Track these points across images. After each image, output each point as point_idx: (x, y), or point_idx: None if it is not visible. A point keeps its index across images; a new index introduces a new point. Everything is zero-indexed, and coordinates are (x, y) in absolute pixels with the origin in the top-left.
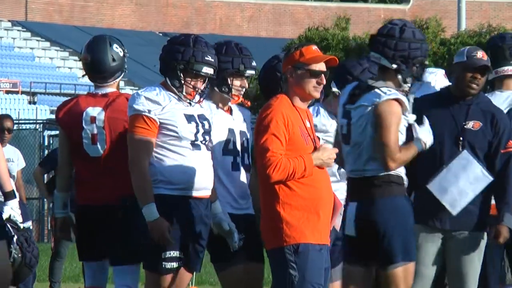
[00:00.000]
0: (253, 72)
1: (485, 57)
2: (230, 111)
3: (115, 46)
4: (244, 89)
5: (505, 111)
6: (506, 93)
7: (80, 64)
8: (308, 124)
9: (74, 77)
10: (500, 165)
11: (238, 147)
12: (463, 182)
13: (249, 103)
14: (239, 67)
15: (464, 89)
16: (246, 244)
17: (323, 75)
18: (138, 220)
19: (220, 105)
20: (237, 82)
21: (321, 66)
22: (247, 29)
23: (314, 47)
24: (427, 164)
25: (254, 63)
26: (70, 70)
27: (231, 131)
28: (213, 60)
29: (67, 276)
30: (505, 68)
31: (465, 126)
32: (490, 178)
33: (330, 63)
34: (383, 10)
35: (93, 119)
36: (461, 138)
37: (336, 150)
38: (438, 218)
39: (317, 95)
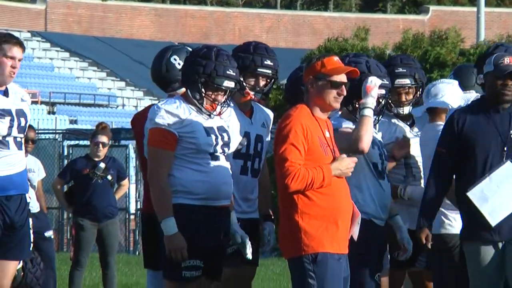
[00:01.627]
0: (269, 71)
1: None
2: (251, 112)
3: (174, 57)
4: (256, 87)
5: None
6: None
7: (99, 74)
8: (327, 134)
9: (93, 87)
10: None
11: (251, 151)
12: (505, 193)
13: (262, 101)
14: (250, 64)
15: (498, 97)
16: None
17: (343, 86)
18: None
19: (241, 106)
20: (251, 81)
21: (342, 78)
22: (266, 39)
23: (336, 58)
24: (471, 176)
25: (268, 61)
26: (89, 80)
27: (246, 135)
28: (234, 74)
29: (86, 285)
30: None
31: (510, 135)
32: None
33: (351, 75)
34: (402, 21)
35: None
36: (505, 148)
37: (356, 160)
38: (495, 230)
39: (337, 106)
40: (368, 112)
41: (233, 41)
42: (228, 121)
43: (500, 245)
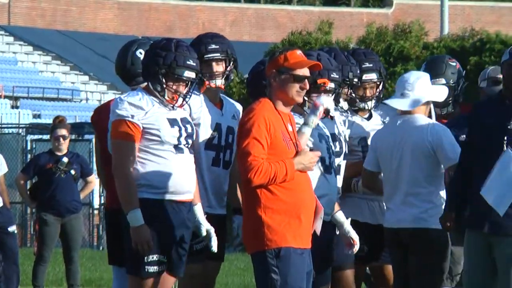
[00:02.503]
0: (215, 54)
1: None
2: (220, 105)
3: (139, 51)
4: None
5: None
6: None
7: (62, 68)
8: (290, 128)
9: (57, 81)
10: None
11: (222, 142)
12: (507, 181)
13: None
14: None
15: (509, 87)
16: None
17: (306, 80)
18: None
19: (211, 98)
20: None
21: (305, 71)
22: (230, 33)
23: (299, 52)
24: (478, 170)
25: (213, 46)
26: (53, 74)
27: (217, 126)
28: (195, 64)
29: (50, 280)
30: None
31: (508, 127)
32: None
33: (314, 68)
34: (365, 14)
35: None
36: (505, 138)
37: (319, 154)
38: (480, 221)
39: (300, 99)
40: (306, 130)
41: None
42: (199, 112)
43: (494, 238)
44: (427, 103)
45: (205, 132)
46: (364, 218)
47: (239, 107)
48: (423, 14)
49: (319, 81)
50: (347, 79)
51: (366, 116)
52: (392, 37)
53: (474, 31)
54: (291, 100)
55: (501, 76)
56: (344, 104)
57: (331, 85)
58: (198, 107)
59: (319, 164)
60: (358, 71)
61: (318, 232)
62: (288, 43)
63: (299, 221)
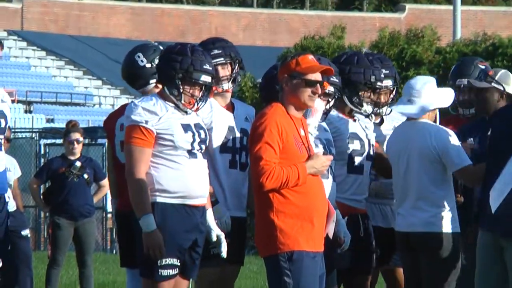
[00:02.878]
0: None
1: None
2: (232, 108)
3: (138, 54)
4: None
5: None
6: None
7: (75, 73)
8: (302, 133)
9: (70, 86)
10: None
11: (237, 144)
12: (505, 180)
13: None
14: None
15: None
16: (229, 247)
17: (318, 84)
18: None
19: (221, 102)
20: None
21: (317, 76)
22: (243, 38)
23: (311, 57)
24: (492, 173)
25: (215, 51)
26: (66, 79)
27: (230, 129)
28: (211, 68)
29: (63, 284)
30: None
31: None
32: None
33: (326, 73)
34: (378, 19)
35: (121, 127)
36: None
37: (331, 158)
38: (496, 221)
39: (312, 104)
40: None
41: None
42: (209, 117)
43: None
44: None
45: (218, 136)
46: (376, 222)
47: (251, 109)
48: (436, 19)
49: None
50: (369, 83)
51: (378, 121)
52: (404, 41)
53: (487, 36)
54: (303, 105)
55: None
56: (367, 108)
57: (330, 88)
58: (207, 112)
59: None
60: (382, 75)
61: (330, 235)
62: (300, 47)
63: (311, 225)
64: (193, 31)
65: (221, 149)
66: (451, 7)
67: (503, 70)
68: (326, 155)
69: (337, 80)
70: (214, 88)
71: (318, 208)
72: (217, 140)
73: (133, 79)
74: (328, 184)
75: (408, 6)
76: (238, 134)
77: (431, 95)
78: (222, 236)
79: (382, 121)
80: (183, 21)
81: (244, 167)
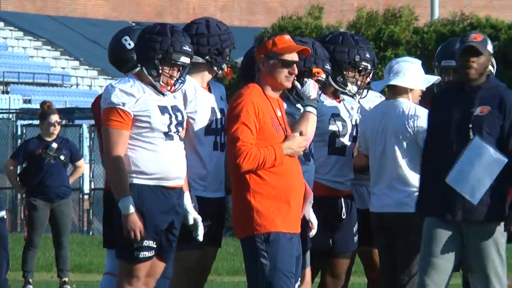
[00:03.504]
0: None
1: (478, 38)
2: (209, 89)
3: (125, 38)
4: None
5: None
6: None
7: (53, 53)
8: (279, 113)
9: (47, 67)
10: None
11: (219, 125)
12: (479, 169)
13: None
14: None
15: (463, 74)
16: (209, 229)
17: (295, 65)
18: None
19: (202, 83)
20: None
21: (293, 56)
22: (221, 18)
23: (287, 37)
24: (438, 156)
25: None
26: (43, 59)
27: (212, 110)
28: (190, 49)
29: (40, 265)
30: None
31: (473, 113)
32: (504, 160)
33: (302, 53)
34: None
35: None
36: (470, 125)
37: (307, 138)
38: (450, 209)
39: (288, 85)
40: (313, 110)
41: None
42: (195, 99)
43: (461, 226)
44: (409, 89)
45: (203, 118)
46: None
47: (222, 87)
48: None
49: (314, 70)
50: (354, 62)
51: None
52: (382, 21)
53: (464, 16)
54: (280, 85)
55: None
56: (352, 88)
57: (323, 76)
58: (193, 94)
59: None
60: (367, 55)
61: (308, 216)
62: (278, 28)
63: (288, 206)
64: (171, 11)
65: (206, 131)
66: None
67: None
68: (303, 136)
69: (329, 68)
70: (227, 70)
71: (295, 189)
72: (203, 122)
73: (121, 62)
74: (309, 168)
75: None
76: (219, 115)
77: (407, 76)
78: (199, 219)
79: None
80: (161, 2)
81: (224, 148)
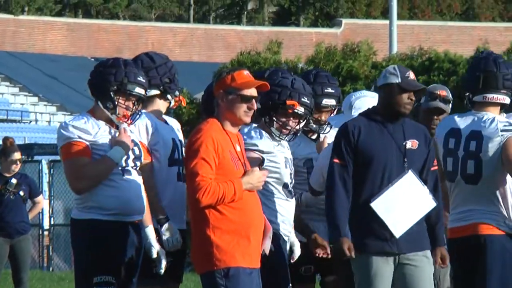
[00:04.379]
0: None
1: (444, 95)
2: (164, 121)
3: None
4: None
5: None
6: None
7: (11, 89)
8: (238, 148)
9: (6, 103)
10: (432, 183)
11: (180, 157)
12: (408, 204)
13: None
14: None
15: (400, 110)
16: (171, 264)
17: (254, 100)
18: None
19: (158, 116)
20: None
21: (252, 92)
22: (179, 53)
23: (246, 72)
24: (371, 187)
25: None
26: (2, 95)
27: (174, 141)
28: (144, 80)
29: None
30: (495, 96)
31: (406, 146)
32: (434, 203)
33: (261, 89)
34: (315, 34)
35: None
36: (405, 159)
37: (267, 173)
38: (392, 241)
39: (247, 120)
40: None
41: None
42: (155, 131)
43: (395, 258)
44: None
45: (165, 149)
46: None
47: (175, 120)
48: (372, 33)
49: (288, 102)
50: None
51: (314, 137)
52: (341, 56)
53: (423, 50)
54: (239, 121)
55: (439, 92)
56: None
57: (300, 109)
58: (153, 126)
59: (282, 188)
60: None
61: (267, 251)
62: (237, 63)
63: (248, 241)
64: (130, 47)
65: (170, 162)
66: (387, 22)
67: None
68: (262, 171)
69: (308, 102)
70: (180, 98)
71: (255, 224)
72: (165, 153)
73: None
74: (291, 205)
75: (344, 21)
76: (179, 146)
77: (363, 109)
78: (163, 253)
79: (318, 138)
80: (119, 37)
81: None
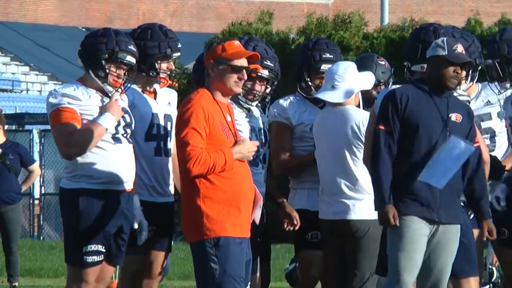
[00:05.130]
0: (179, 53)
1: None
2: (154, 94)
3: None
4: (170, 72)
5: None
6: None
7: (2, 59)
8: (229, 118)
9: None
10: (474, 159)
11: (161, 131)
12: (447, 159)
13: (176, 84)
14: (166, 50)
15: (446, 83)
16: (155, 234)
17: (244, 70)
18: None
19: (144, 89)
20: (164, 65)
21: (243, 62)
22: (170, 24)
23: (237, 42)
24: (416, 156)
25: (179, 45)
26: None
27: (155, 116)
28: (135, 49)
29: None
30: None
31: (450, 119)
32: (472, 148)
33: (252, 59)
34: (306, 5)
35: None
36: (448, 130)
37: (257, 143)
38: (433, 209)
39: (238, 90)
40: None
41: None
42: (132, 105)
43: (432, 225)
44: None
45: (142, 124)
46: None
47: (174, 92)
48: (364, 4)
49: (251, 66)
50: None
51: (321, 104)
52: (332, 27)
53: (414, 22)
54: (230, 91)
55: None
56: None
57: (264, 71)
58: (130, 100)
59: None
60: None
61: (257, 221)
62: (228, 33)
63: (238, 211)
64: (121, 17)
65: (146, 137)
66: None
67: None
68: (253, 141)
69: (272, 65)
70: (166, 82)
71: (245, 193)
72: (141, 128)
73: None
74: (258, 171)
75: None
76: (162, 121)
77: (353, 78)
78: (145, 224)
79: (324, 105)
80: (110, 7)
81: (169, 153)
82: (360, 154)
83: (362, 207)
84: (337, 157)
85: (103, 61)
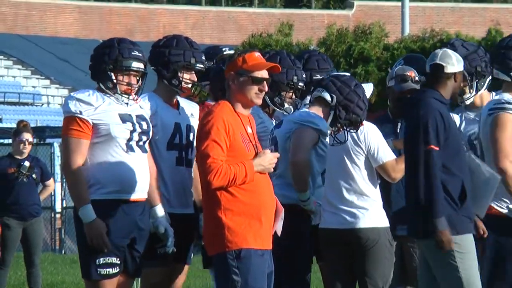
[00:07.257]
0: (202, 66)
1: None
2: (177, 105)
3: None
4: (192, 83)
5: None
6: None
7: (23, 72)
8: (249, 130)
9: (18, 86)
10: None
11: (184, 141)
12: (479, 184)
13: (196, 97)
14: (190, 60)
15: (456, 96)
16: (176, 246)
17: (265, 82)
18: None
19: (167, 99)
20: (186, 76)
21: (263, 73)
22: (191, 36)
23: (257, 54)
24: (463, 172)
25: (203, 57)
26: (14, 79)
27: (177, 126)
28: (140, 54)
29: (11, 284)
30: None
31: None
32: (498, 177)
33: (272, 70)
34: (326, 16)
35: None
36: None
37: (277, 155)
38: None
39: (259, 102)
40: None
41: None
42: (155, 113)
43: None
44: None
45: (164, 133)
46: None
47: (196, 105)
48: (384, 15)
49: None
50: (292, 83)
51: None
52: (352, 38)
53: (435, 32)
54: (250, 102)
55: (408, 73)
56: (288, 108)
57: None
58: (153, 109)
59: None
60: (303, 76)
61: (279, 233)
62: (248, 45)
63: (259, 223)
64: (141, 29)
65: (168, 146)
66: (399, 4)
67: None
68: (274, 153)
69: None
70: (188, 92)
71: (266, 205)
72: (163, 137)
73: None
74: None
75: (356, 2)
76: (184, 131)
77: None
78: (171, 231)
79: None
80: (131, 20)
81: (190, 164)
82: (360, 161)
83: (371, 215)
84: (339, 166)
85: (109, 72)
